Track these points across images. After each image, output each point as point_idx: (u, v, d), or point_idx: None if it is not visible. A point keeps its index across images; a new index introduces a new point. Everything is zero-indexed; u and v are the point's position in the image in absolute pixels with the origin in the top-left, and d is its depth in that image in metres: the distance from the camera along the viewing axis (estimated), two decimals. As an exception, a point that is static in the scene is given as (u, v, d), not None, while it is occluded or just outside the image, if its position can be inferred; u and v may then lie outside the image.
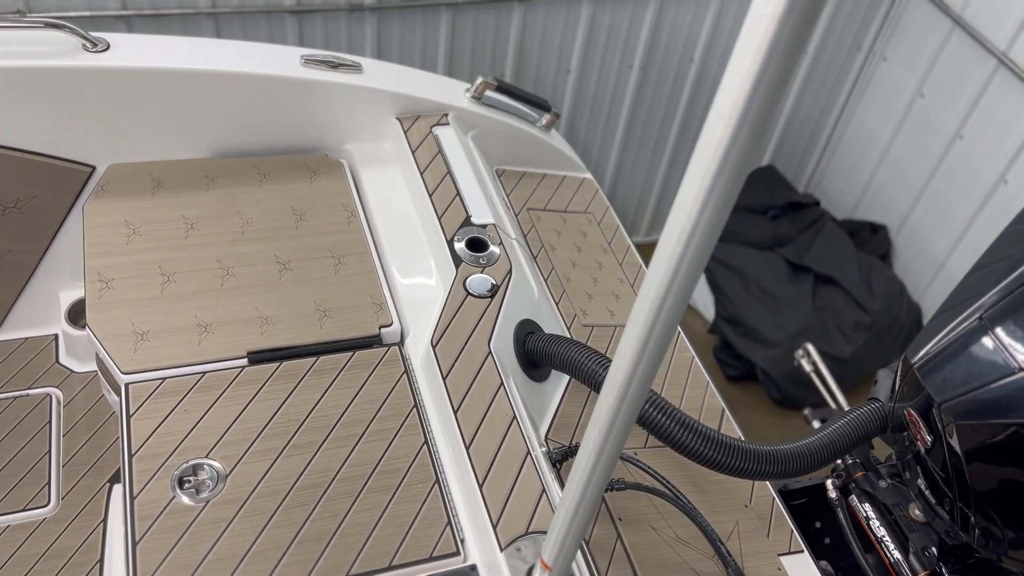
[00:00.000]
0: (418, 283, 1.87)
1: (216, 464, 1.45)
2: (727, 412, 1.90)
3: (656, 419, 1.49)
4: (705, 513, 1.63)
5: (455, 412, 1.53)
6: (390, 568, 1.37)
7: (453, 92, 2.23)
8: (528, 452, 1.49)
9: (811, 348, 2.10)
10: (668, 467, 1.70)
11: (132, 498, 1.39)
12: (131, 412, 1.50)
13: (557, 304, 1.98)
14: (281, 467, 1.47)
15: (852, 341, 3.58)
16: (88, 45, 1.81)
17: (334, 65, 2.02)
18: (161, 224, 1.81)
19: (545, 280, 2.02)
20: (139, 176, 1.90)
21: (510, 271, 1.82)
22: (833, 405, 2.09)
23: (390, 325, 1.72)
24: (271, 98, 1.99)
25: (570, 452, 1.56)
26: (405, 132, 2.11)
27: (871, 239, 3.93)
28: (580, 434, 1.69)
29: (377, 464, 1.50)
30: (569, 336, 1.91)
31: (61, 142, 1.86)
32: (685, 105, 3.80)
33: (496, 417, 1.53)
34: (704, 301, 3.92)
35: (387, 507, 1.44)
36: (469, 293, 1.74)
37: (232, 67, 1.92)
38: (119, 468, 1.61)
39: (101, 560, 1.61)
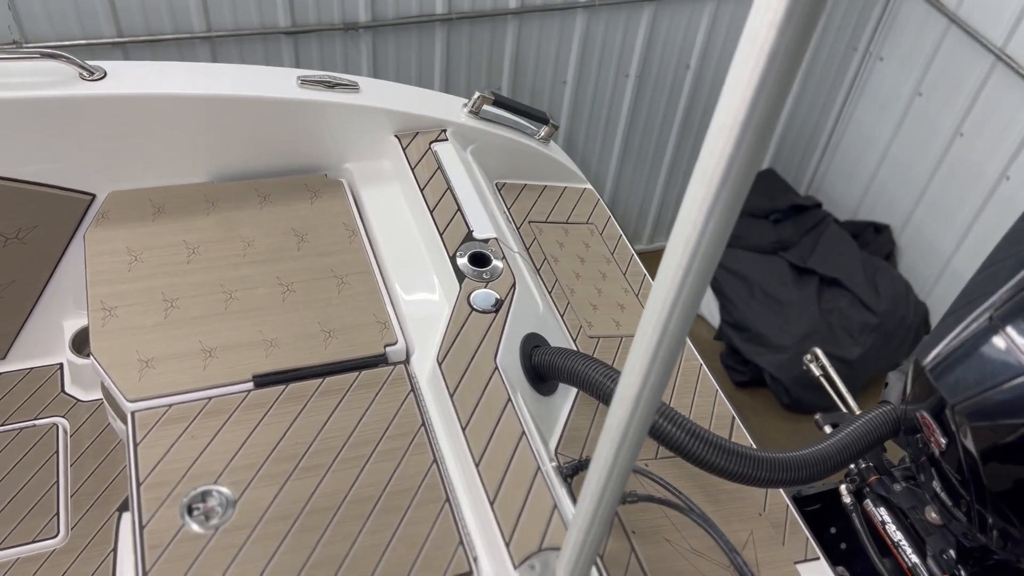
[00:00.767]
0: (422, 300, 1.86)
1: (225, 490, 1.44)
2: (737, 419, 1.88)
3: (667, 430, 1.48)
4: (719, 523, 1.61)
5: (463, 429, 1.52)
6: (403, 590, 1.36)
7: (450, 107, 2.23)
8: (538, 467, 1.48)
9: (819, 352, 2.09)
10: (680, 477, 1.68)
11: (141, 527, 1.38)
12: (138, 440, 1.49)
13: (562, 316, 1.97)
14: (290, 491, 1.45)
15: (860, 343, 3.57)
16: (85, 74, 1.81)
17: (331, 85, 2.02)
18: (163, 250, 1.81)
19: (549, 292, 2.02)
20: (139, 202, 1.90)
21: (514, 285, 1.81)
22: (844, 409, 2.07)
23: (395, 344, 1.71)
24: (269, 120, 1.99)
25: (581, 466, 1.55)
26: (404, 149, 2.11)
27: (875, 239, 3.92)
28: (590, 447, 1.68)
29: (387, 484, 1.49)
30: (575, 348, 1.90)
31: (60, 171, 1.86)
32: (683, 112, 3.80)
33: (505, 433, 1.52)
34: (709, 307, 3.91)
35: (398, 528, 1.43)
36: (473, 308, 1.73)
37: (229, 91, 1.92)
38: (128, 497, 1.60)
39: (112, 590, 1.60)
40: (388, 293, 1.83)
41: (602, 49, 3.42)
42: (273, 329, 1.70)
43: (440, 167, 2.07)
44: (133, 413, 1.53)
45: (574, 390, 1.78)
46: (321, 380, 1.63)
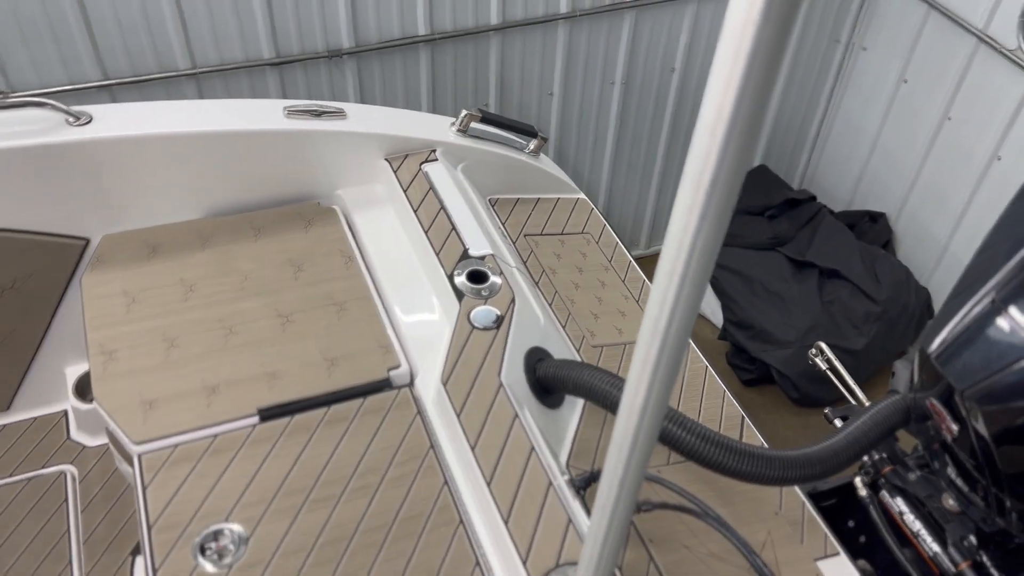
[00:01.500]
0: (423, 321, 1.85)
1: (236, 527, 1.43)
2: (747, 419, 1.87)
3: (676, 435, 1.47)
4: (735, 525, 1.60)
5: (472, 449, 1.51)
6: (422, 616, 1.34)
7: (438, 127, 2.24)
8: (550, 482, 1.47)
9: (824, 346, 2.07)
10: (693, 482, 1.67)
11: (155, 570, 1.36)
12: (146, 483, 1.48)
13: (564, 327, 1.97)
14: (302, 524, 1.44)
15: (864, 332, 3.55)
16: (71, 119, 1.82)
17: (317, 113, 2.03)
18: (160, 290, 1.81)
19: (549, 304, 2.01)
20: (134, 244, 1.90)
21: (513, 300, 1.80)
22: (853, 401, 2.05)
23: (398, 367, 1.71)
24: (258, 153, 1.99)
25: (593, 477, 1.54)
26: (395, 172, 2.11)
27: (871, 228, 3.91)
28: (601, 458, 1.67)
29: (399, 511, 1.48)
30: (580, 359, 1.89)
31: (53, 218, 1.87)
32: (671, 114, 3.80)
33: (514, 450, 1.51)
34: (711, 307, 3.90)
35: (413, 554, 1.42)
36: (474, 326, 1.73)
37: (216, 126, 1.92)
38: (139, 540, 1.59)
39: (130, 636, 1.58)
40: (388, 317, 1.83)
41: (586, 58, 3.43)
42: (275, 361, 1.69)
43: (432, 187, 2.07)
44: (139, 456, 1.52)
45: (581, 401, 1.78)
46: (326, 409, 1.63)
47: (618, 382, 1.58)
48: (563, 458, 1.63)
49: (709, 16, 3.49)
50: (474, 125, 2.24)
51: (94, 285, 1.81)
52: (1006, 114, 3.17)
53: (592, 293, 2.10)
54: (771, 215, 4.00)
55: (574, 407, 1.77)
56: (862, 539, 1.98)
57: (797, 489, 1.74)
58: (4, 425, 1.98)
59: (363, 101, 3.12)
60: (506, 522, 1.40)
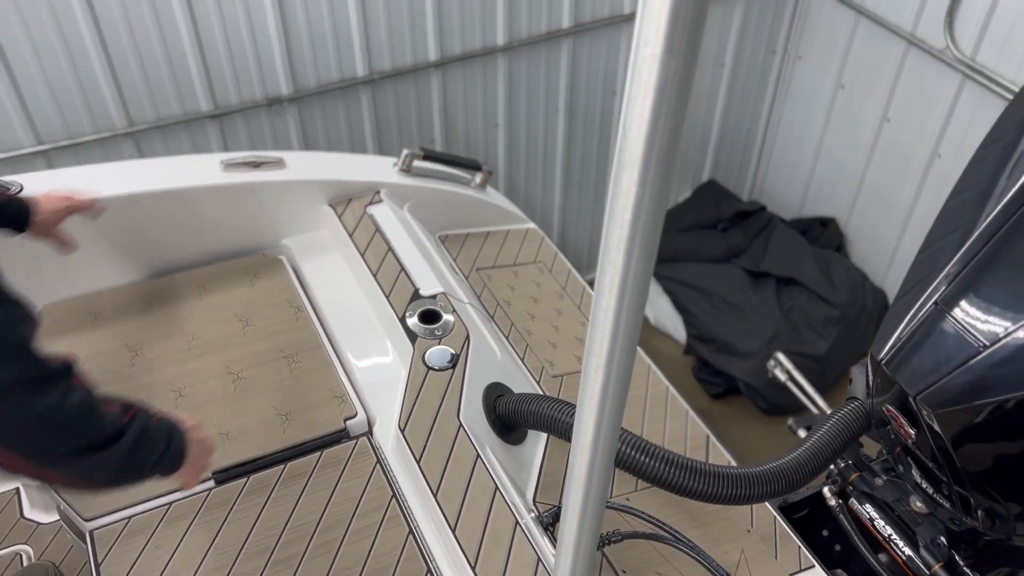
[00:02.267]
0: (377, 366, 1.82)
1: (196, 599, 1.38)
2: (712, 438, 1.86)
3: (640, 461, 1.45)
4: (708, 546, 1.59)
5: (435, 495, 1.48)
6: (394, 673, 1.30)
7: (381, 169, 2.22)
8: (517, 521, 1.45)
9: (781, 357, 2.08)
10: (663, 506, 1.66)
11: (112, 653, 1.31)
12: (99, 560, 1.43)
13: (523, 360, 1.95)
14: (265, 588, 1.40)
15: (825, 337, 3.58)
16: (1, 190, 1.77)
17: (256, 164, 2.00)
18: (104, 356, 1.76)
19: (506, 338, 1.99)
20: (75, 312, 1.85)
21: (468, 337, 1.78)
22: (815, 410, 2.06)
23: (355, 416, 1.67)
24: (197, 209, 1.96)
25: (561, 512, 1.51)
26: (339, 217, 2.09)
27: (823, 233, 3.96)
28: (568, 490, 1.64)
29: (364, 564, 1.44)
30: (540, 391, 1.87)
31: (-12, 292, 1.81)
32: (617, 137, 3.83)
33: (478, 491, 1.49)
34: (674, 323, 3.91)
35: (381, 609, 1.38)
36: (430, 368, 1.70)
37: (151, 186, 1.89)
38: (98, 620, 1.53)
39: None
40: (342, 365, 1.80)
41: (528, 87, 3.44)
42: (227, 421, 1.65)
43: (378, 230, 2.05)
44: (91, 532, 1.47)
45: (544, 435, 1.76)
46: (283, 466, 1.59)
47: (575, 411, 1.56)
48: (529, 494, 1.61)
49: (646, 37, 3.54)
50: (417, 163, 2.23)
51: (35, 358, 1.75)
52: (941, 112, 3.24)
53: (549, 323, 2.09)
54: (724, 228, 4.03)
55: (537, 441, 1.74)
56: (837, 548, 1.97)
57: (768, 504, 1.73)
58: (-48, 509, 1.91)
59: (307, 147, 3.10)
60: (474, 568, 1.37)
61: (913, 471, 1.62)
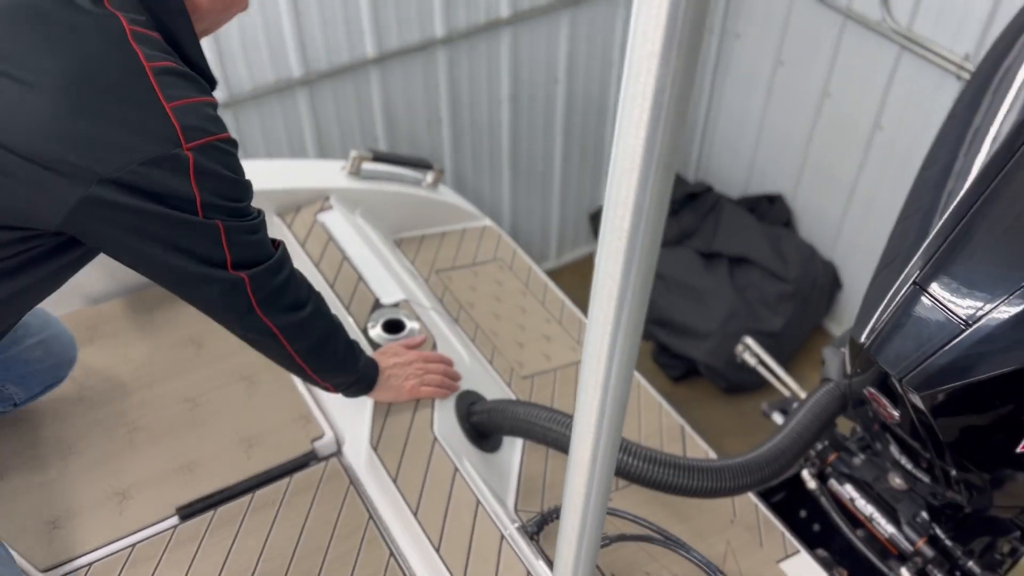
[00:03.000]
0: (342, 382, 1.75)
1: (169, 646, 1.30)
2: (687, 428, 1.84)
3: (624, 462, 1.42)
4: (693, 540, 1.56)
5: (414, 514, 1.42)
6: None
7: (329, 173, 2.14)
8: (502, 534, 1.40)
9: (749, 341, 2.07)
10: (644, 503, 1.63)
11: None
12: (59, 614, 1.34)
13: (491, 363, 1.90)
14: (242, 628, 1.33)
15: (780, 312, 3.61)
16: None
17: (197, 178, 1.90)
18: (46, 398, 1.65)
19: (472, 341, 1.94)
20: (12, 346, 1.73)
21: (434, 345, 1.73)
22: (785, 392, 2.05)
23: (322, 436, 1.60)
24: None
25: (546, 519, 1.47)
26: (289, 227, 2.00)
27: (770, 210, 3.99)
28: (549, 495, 1.60)
29: (345, 593, 1.38)
30: (511, 393, 1.82)
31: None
32: (562, 125, 3.79)
33: (460, 506, 1.43)
34: (630, 310, 3.90)
35: (368, 639, 1.32)
36: (398, 380, 1.63)
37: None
38: (62, 675, 1.44)
39: None
40: (304, 383, 1.72)
41: (470, 79, 3.37)
42: (188, 452, 1.56)
43: (331, 237, 1.97)
44: (48, 584, 1.38)
45: (520, 440, 1.71)
46: (251, 496, 1.51)
47: (555, 416, 1.52)
48: (511, 503, 1.56)
49: (586, 25, 3.50)
50: (366, 166, 2.16)
51: (-28, 399, 1.64)
52: (880, 84, 3.27)
53: (514, 321, 2.04)
54: (673, 211, 4.03)
55: (514, 446, 1.70)
56: (816, 527, 1.98)
57: (749, 492, 1.71)
58: None
59: (245, 155, 2.98)
60: (461, 587, 1.31)
61: (891, 447, 1.62)
